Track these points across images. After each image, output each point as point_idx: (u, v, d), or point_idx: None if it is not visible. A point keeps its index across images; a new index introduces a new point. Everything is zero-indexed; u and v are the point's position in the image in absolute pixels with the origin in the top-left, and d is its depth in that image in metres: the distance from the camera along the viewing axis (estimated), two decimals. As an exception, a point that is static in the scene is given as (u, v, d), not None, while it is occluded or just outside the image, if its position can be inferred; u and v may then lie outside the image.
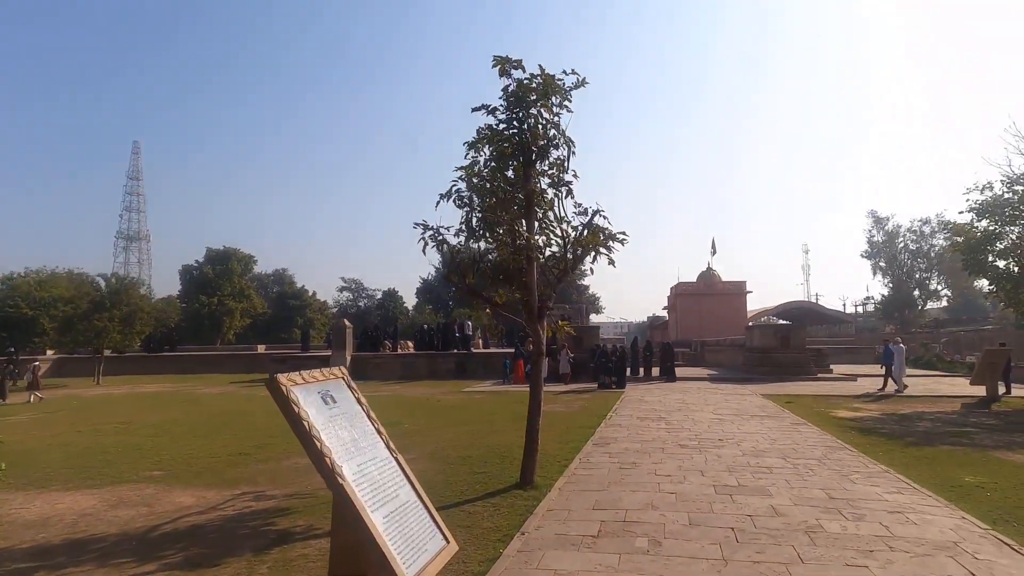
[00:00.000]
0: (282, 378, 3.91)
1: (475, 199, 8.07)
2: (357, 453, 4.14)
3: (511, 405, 17.22)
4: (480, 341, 36.12)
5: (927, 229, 58.42)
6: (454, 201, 8.12)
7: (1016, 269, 17.71)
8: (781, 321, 51.82)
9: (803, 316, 51.39)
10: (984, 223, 18.10)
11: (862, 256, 63.06)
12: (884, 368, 21.09)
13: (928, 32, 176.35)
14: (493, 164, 8.24)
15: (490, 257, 8.71)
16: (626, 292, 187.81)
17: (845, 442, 10.89)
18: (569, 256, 8.73)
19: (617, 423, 13.41)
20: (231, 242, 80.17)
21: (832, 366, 28.86)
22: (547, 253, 8.98)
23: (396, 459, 4.56)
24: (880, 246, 60.16)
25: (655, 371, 26.36)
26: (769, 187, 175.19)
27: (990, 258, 18.25)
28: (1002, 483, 8.07)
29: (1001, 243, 17.96)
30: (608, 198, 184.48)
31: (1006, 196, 17.54)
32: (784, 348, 27.51)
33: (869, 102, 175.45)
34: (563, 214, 8.51)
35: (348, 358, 29.69)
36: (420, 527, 4.22)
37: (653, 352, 27.23)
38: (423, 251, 8.38)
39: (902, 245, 59.45)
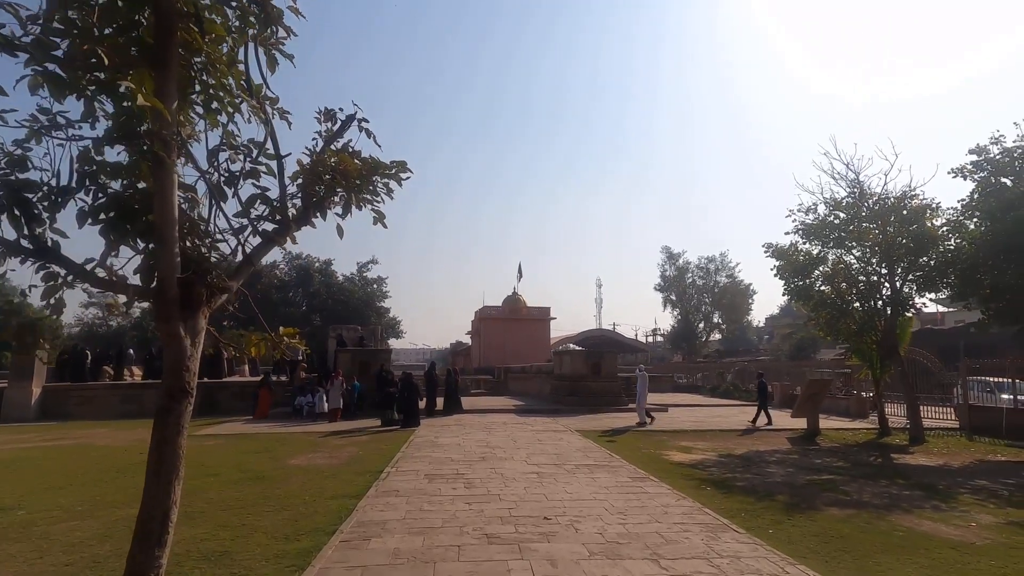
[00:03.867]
0: None
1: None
2: None
3: (244, 457, 11.98)
4: (247, 367, 29.37)
5: (712, 267, 62.78)
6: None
7: (834, 296, 16.66)
8: (578, 348, 51.34)
9: (603, 344, 51.19)
10: (807, 246, 16.93)
11: (655, 289, 66.12)
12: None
13: (722, 83, 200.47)
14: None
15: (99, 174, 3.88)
16: (431, 318, 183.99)
17: (713, 510, 7.65)
18: (290, 189, 4.35)
19: (394, 487, 8.96)
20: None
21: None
22: (241, 184, 4.42)
23: None
24: (672, 280, 63.35)
25: (439, 403, 21.89)
26: (570, 219, 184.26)
27: (810, 282, 17.08)
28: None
29: (823, 267, 16.85)
30: (416, 219, 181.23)
31: (830, 219, 16.45)
32: (595, 376, 25.14)
33: (665, 143, 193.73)
34: (265, 89, 4.05)
35: (35, 391, 21.09)
36: None
37: (451, 380, 22.96)
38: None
39: (690, 280, 63.17)
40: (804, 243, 16.96)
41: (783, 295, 18.72)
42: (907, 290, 16.32)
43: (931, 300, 17.83)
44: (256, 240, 4.46)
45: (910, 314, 17.04)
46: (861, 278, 16.54)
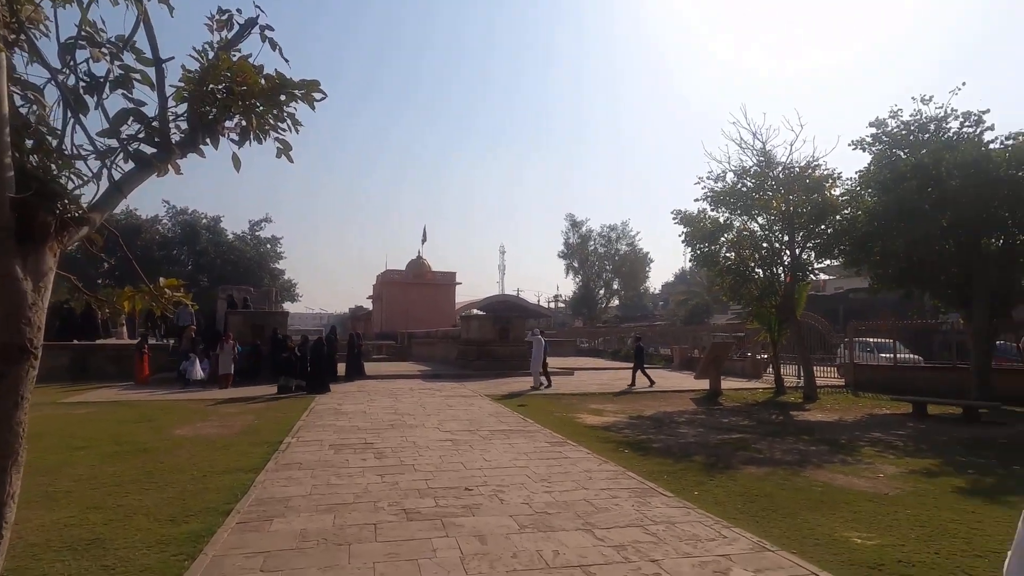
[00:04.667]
0: None
1: None
2: None
3: (121, 427, 10.68)
4: (124, 329, 26.76)
5: (613, 235, 64.09)
6: None
7: (738, 262, 17.15)
8: (484, 313, 51.16)
9: (508, 310, 51.27)
10: (715, 213, 17.28)
11: (559, 256, 66.78)
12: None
13: (629, 55, 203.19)
14: None
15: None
16: (329, 282, 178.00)
17: (636, 473, 7.50)
18: (170, 100, 3.46)
19: (297, 459, 8.18)
20: None
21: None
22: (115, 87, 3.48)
23: None
24: (575, 248, 64.18)
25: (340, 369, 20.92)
26: (473, 185, 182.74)
27: (716, 249, 17.47)
28: (905, 542, 5.15)
29: (729, 234, 17.27)
30: (315, 177, 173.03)
31: (739, 187, 16.80)
32: (503, 341, 25.01)
33: (582, 115, 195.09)
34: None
35: None
36: None
37: (354, 345, 21.91)
38: None
39: (593, 248, 64.24)
40: (712, 210, 17.28)
41: (689, 261, 19.23)
42: (806, 257, 17.09)
43: (821, 269, 18.69)
44: (129, 166, 3.57)
45: (808, 280, 17.91)
46: (764, 245, 17.10)
